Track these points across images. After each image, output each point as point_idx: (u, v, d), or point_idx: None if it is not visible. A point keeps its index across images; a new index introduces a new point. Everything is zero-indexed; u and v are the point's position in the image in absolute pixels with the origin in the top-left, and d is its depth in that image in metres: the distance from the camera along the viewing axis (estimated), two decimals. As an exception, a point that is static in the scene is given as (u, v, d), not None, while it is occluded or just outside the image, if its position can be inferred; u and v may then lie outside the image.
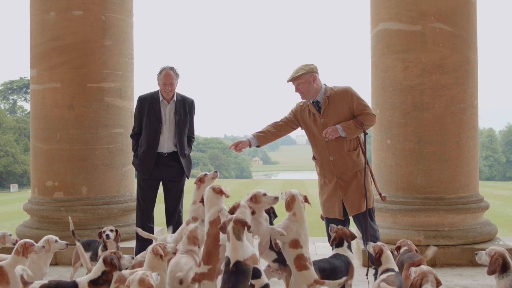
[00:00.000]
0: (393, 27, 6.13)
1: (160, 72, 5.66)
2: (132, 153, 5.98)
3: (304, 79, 4.81)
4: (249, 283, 3.38)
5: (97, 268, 3.52)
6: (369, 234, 4.80)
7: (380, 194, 4.99)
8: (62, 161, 6.46)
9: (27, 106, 63.69)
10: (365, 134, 4.84)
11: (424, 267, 3.42)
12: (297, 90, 4.89)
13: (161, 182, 5.81)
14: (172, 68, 5.65)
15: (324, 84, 4.93)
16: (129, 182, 6.86)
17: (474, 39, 6.25)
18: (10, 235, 4.79)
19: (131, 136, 5.90)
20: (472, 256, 5.89)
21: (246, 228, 3.44)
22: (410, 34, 6.05)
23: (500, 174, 77.82)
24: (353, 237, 4.22)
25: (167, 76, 5.59)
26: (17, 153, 53.97)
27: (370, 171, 4.91)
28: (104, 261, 3.50)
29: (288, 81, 4.89)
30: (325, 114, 4.83)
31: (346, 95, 4.82)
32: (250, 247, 3.45)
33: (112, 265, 3.49)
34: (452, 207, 6.05)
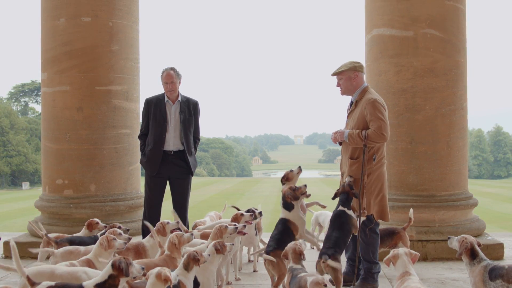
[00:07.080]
0: (386, 33, 6.33)
1: (162, 74, 5.91)
2: (139, 153, 6.21)
3: (345, 75, 4.96)
4: None
5: (105, 272, 3.41)
6: (358, 241, 4.86)
7: (363, 208, 4.83)
8: (71, 160, 6.64)
9: (38, 108, 64.58)
10: (365, 146, 4.77)
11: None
12: (338, 85, 5.06)
13: (168, 180, 5.99)
14: (172, 68, 5.90)
15: (366, 85, 5.01)
16: (135, 180, 7.04)
17: (464, 44, 6.44)
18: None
19: (139, 137, 6.11)
20: (462, 251, 6.15)
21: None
22: (402, 40, 6.24)
23: (488, 172, 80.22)
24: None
25: (168, 76, 5.85)
26: (29, 152, 54.90)
27: (363, 186, 4.78)
28: (113, 265, 3.39)
29: (332, 75, 5.08)
30: (350, 115, 5.03)
31: (365, 106, 4.80)
32: None
33: (119, 269, 3.36)
34: (442, 204, 6.22)
